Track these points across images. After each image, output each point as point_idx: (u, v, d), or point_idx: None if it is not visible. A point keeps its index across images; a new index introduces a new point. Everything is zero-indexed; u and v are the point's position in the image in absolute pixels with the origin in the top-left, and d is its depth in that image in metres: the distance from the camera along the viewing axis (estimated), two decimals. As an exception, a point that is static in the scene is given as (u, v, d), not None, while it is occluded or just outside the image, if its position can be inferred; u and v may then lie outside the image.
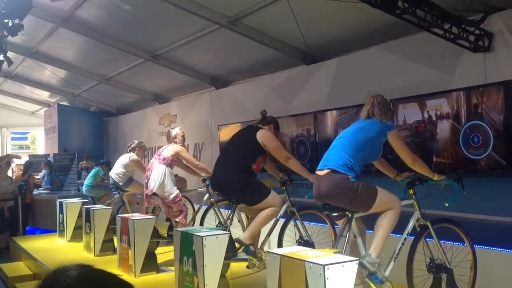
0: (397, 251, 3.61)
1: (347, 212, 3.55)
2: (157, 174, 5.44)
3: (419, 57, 6.29)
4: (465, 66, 5.79)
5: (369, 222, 3.70)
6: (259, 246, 4.71)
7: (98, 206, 6.49)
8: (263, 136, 4.52)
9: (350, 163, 3.46)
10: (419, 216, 3.73)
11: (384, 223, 3.48)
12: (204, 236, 4.06)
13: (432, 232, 3.68)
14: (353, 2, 5.20)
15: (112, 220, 5.94)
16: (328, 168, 3.52)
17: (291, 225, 4.93)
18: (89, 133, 15.94)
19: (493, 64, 5.52)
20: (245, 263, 4.71)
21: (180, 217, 5.50)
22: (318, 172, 3.60)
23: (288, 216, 4.91)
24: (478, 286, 3.79)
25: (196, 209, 6.46)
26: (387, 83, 6.58)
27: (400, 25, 5.46)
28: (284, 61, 8.43)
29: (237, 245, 5.18)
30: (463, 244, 3.84)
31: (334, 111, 7.28)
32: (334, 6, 6.00)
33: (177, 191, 5.55)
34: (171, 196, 5.47)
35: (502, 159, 5.14)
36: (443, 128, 5.74)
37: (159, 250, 5.48)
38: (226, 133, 8.68)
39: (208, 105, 10.82)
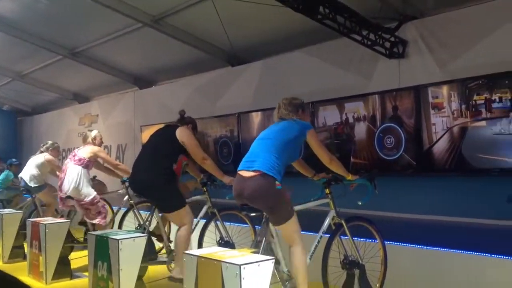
0: (312, 249, 3.67)
1: (265, 213, 3.56)
2: (71, 176, 5.20)
3: (339, 62, 6.49)
4: (381, 71, 6.05)
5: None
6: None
7: (7, 210, 6.10)
8: (182, 134, 4.45)
9: (277, 165, 3.44)
10: (334, 215, 3.81)
11: (299, 261, 3.48)
12: (120, 239, 3.93)
13: (346, 230, 3.78)
14: (278, 6, 5.27)
15: (23, 225, 5.60)
16: (255, 170, 3.45)
17: (212, 226, 4.88)
18: (1, 134, 14.98)
19: (407, 70, 5.81)
20: (164, 266, 4.63)
21: (98, 218, 5.31)
22: (242, 173, 3.53)
23: (209, 217, 4.87)
24: (388, 280, 3.95)
25: (115, 211, 6.26)
26: (309, 86, 6.73)
27: (322, 30, 5.61)
28: (209, 62, 8.40)
29: (157, 247, 5.09)
30: (374, 241, 3.99)
31: (258, 113, 7.34)
32: (259, 9, 6.06)
33: (95, 192, 5.35)
34: (88, 198, 5.26)
35: (412, 160, 5.42)
36: (360, 130, 5.96)
37: (74, 255, 5.25)
38: (149, 134, 8.46)
39: (131, 106, 10.55)
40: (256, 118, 7.38)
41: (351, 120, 6.06)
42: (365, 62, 6.17)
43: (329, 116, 6.31)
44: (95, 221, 5.31)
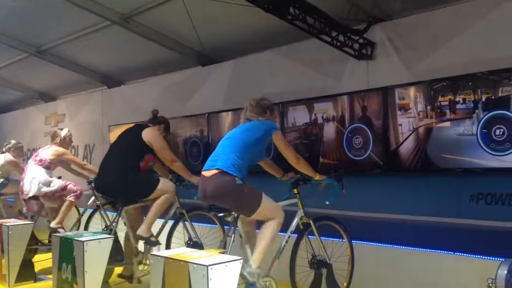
0: (281, 248, 3.69)
1: (233, 213, 3.55)
2: (32, 177, 5.09)
3: (310, 62, 6.53)
4: (350, 72, 6.11)
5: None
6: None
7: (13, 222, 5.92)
8: (149, 135, 4.41)
9: (238, 163, 3.46)
10: (303, 215, 3.84)
11: (267, 234, 3.47)
12: (85, 241, 3.87)
13: (314, 230, 3.82)
14: (249, 6, 5.26)
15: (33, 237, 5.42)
16: (216, 169, 3.47)
17: (180, 227, 4.85)
18: (-38, 133, 14.49)
19: (375, 71, 5.88)
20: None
21: (72, 196, 5.28)
22: (204, 173, 3.55)
23: (177, 218, 4.84)
24: (355, 278, 4.00)
25: (81, 213, 6.14)
26: (279, 86, 6.76)
27: (292, 30, 5.63)
28: (180, 61, 8.32)
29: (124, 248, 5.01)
30: (342, 240, 4.03)
31: (228, 113, 7.33)
32: (230, 9, 6.03)
33: (61, 181, 5.29)
34: (56, 186, 5.20)
35: (380, 160, 5.50)
36: (329, 131, 6.02)
37: (38, 257, 5.13)
38: (118, 134, 8.36)
39: (99, 105, 10.38)
40: (227, 118, 7.36)
41: (320, 120, 6.11)
42: (334, 63, 6.23)
43: (299, 116, 6.35)
44: (70, 199, 5.25)
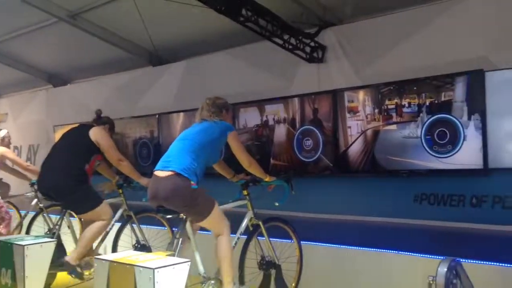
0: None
1: (182, 215, 3.50)
2: None
3: (262, 64, 6.55)
4: (302, 75, 6.18)
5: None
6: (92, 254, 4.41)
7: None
8: (97, 134, 4.27)
9: (194, 166, 3.40)
10: (252, 216, 3.82)
11: (224, 252, 3.45)
12: (26, 245, 3.71)
13: (264, 231, 3.80)
14: (202, 7, 5.22)
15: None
16: (170, 171, 3.39)
17: (128, 230, 4.73)
18: None
19: (325, 74, 5.98)
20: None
21: (1, 226, 4.96)
22: (157, 173, 3.46)
23: (125, 220, 4.71)
24: (303, 279, 4.02)
25: (22, 216, 5.88)
26: (231, 88, 6.73)
27: (245, 32, 5.64)
28: (130, 61, 8.17)
29: (68, 252, 4.83)
30: (291, 241, 4.05)
31: (179, 114, 7.25)
32: (182, 9, 5.97)
33: None
34: None
35: (329, 161, 5.58)
36: (280, 132, 6.05)
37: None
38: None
39: (45, 104, 10.03)
40: (177, 119, 7.28)
41: (271, 122, 6.14)
42: (286, 66, 6.28)
43: (250, 118, 6.36)
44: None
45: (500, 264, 3.30)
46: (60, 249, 4.40)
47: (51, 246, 3.89)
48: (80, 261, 4.15)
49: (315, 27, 5.99)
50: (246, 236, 3.79)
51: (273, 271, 3.76)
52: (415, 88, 4.97)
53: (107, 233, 4.60)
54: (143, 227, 4.78)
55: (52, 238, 4.22)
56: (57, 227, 4.44)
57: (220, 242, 3.48)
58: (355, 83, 5.61)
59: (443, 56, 4.95)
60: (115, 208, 4.77)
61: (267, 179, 3.80)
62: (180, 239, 3.55)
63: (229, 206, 3.81)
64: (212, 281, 3.44)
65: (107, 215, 4.22)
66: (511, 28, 4.57)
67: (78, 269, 4.14)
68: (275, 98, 6.16)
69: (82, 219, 4.62)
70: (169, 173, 3.35)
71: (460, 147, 4.59)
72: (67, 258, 4.10)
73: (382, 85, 5.24)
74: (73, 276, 4.13)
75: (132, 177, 4.44)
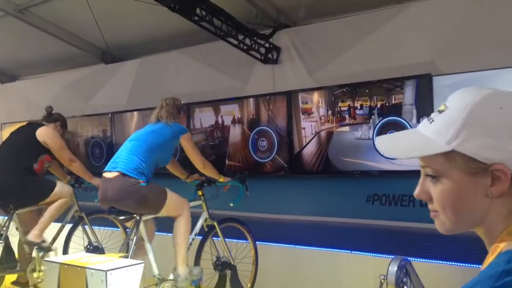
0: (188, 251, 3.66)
1: (135, 215, 3.47)
2: None
3: (217, 64, 6.53)
4: (257, 75, 6.21)
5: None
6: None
7: None
8: (44, 134, 4.16)
9: (141, 167, 3.38)
10: (207, 216, 3.84)
11: (179, 235, 3.48)
12: (-29, 247, 3.57)
13: (219, 231, 3.83)
14: (156, 5, 5.15)
15: None
16: (118, 171, 3.37)
17: (79, 231, 4.63)
18: None
19: (280, 75, 6.03)
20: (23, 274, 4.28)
21: None
22: (106, 174, 3.43)
23: (76, 221, 4.61)
24: (259, 279, 4.07)
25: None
26: (186, 87, 6.69)
27: (200, 31, 5.60)
28: (82, 58, 7.94)
29: (17, 254, 4.67)
30: (246, 242, 4.08)
31: (133, 113, 7.13)
32: (135, 6, 5.86)
33: None
34: None
35: (284, 162, 5.65)
36: (235, 133, 6.07)
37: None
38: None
39: (-9, 101, 9.61)
40: (131, 118, 7.16)
41: (226, 122, 6.15)
42: (241, 66, 6.29)
43: (205, 118, 6.34)
44: None
45: (448, 263, 3.46)
46: (8, 251, 4.27)
47: (-2, 249, 3.76)
48: (41, 237, 4.11)
49: (270, 29, 6.04)
50: (201, 237, 3.80)
51: (228, 272, 3.80)
52: (367, 90, 5.11)
53: (57, 236, 4.51)
54: (96, 228, 4.70)
55: (-1, 240, 4.08)
56: (4, 228, 4.30)
57: (177, 222, 3.50)
58: (309, 84, 5.69)
59: (393, 60, 5.11)
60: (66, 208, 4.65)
61: (221, 180, 3.84)
62: (134, 240, 3.52)
63: (183, 207, 3.80)
64: (167, 284, 3.44)
65: (66, 193, 4.20)
66: (455, 34, 4.76)
67: (44, 244, 4.10)
68: (230, 99, 6.16)
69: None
70: (116, 173, 3.35)
71: (410, 148, 4.74)
72: (29, 237, 4.04)
73: (336, 87, 5.34)
74: (41, 251, 4.09)
75: (84, 177, 4.38)
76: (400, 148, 0.97)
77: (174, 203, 3.49)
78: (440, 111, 0.92)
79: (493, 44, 4.53)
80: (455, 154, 0.88)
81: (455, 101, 0.91)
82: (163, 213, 3.50)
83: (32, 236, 4.06)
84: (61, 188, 4.20)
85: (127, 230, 4.61)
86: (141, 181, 3.34)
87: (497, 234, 0.87)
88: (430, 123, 0.93)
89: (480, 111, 0.87)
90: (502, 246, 0.84)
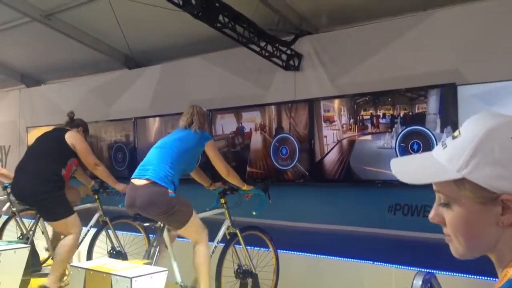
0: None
1: (159, 223, 3.51)
2: None
3: (239, 70, 6.57)
4: (278, 82, 6.22)
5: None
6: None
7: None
8: (72, 137, 4.25)
9: (171, 175, 3.43)
10: (230, 224, 3.87)
11: (200, 262, 3.51)
12: (-2, 251, 3.64)
13: (241, 239, 3.85)
14: (178, 11, 5.21)
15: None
16: (147, 179, 3.41)
17: (103, 236, 4.70)
18: None
19: (302, 82, 6.03)
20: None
21: None
22: (134, 181, 3.47)
23: (100, 226, 4.68)
24: (280, 287, 4.07)
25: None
26: (208, 93, 6.74)
27: (223, 37, 5.64)
28: (106, 63, 8.07)
29: (42, 258, 4.76)
30: (267, 250, 4.10)
31: (156, 118, 7.20)
32: (159, 13, 5.93)
33: None
34: None
35: (305, 170, 5.64)
36: (257, 140, 6.08)
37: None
38: (36, 136, 7.94)
39: (17, 105, 9.79)
40: (154, 123, 7.23)
41: (248, 129, 6.17)
42: (263, 73, 6.31)
43: (227, 124, 6.37)
44: None
45: (474, 276, 3.41)
46: (33, 255, 4.34)
47: (25, 252, 3.82)
48: (60, 282, 4.13)
49: (292, 35, 6.05)
50: (223, 244, 3.83)
51: (250, 280, 3.81)
52: (389, 99, 5.08)
53: (82, 239, 4.57)
54: (119, 233, 4.77)
55: (25, 243, 4.16)
56: (31, 232, 4.39)
57: (197, 250, 3.52)
58: (330, 91, 5.68)
59: (416, 68, 5.07)
60: (90, 213, 4.73)
61: (244, 188, 3.86)
62: (158, 247, 3.57)
63: (206, 214, 3.85)
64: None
65: (76, 228, 4.20)
66: (480, 42, 4.71)
67: None
68: (252, 106, 6.18)
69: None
70: (146, 181, 3.38)
71: (433, 158, 4.69)
72: (46, 284, 4.05)
73: (358, 95, 5.32)
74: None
75: (108, 182, 4.44)
76: (412, 173, 0.98)
77: (197, 225, 3.52)
78: (454, 137, 0.93)
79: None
80: (465, 182, 0.88)
81: (468, 128, 0.92)
82: (184, 231, 3.52)
83: (50, 283, 4.05)
84: (75, 220, 4.21)
85: (150, 235, 4.67)
86: (170, 191, 3.38)
87: (507, 261, 0.88)
88: (444, 148, 0.94)
89: (490, 140, 0.87)
90: (511, 273, 0.86)
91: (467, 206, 0.89)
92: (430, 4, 5.14)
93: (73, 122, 4.56)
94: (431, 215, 0.97)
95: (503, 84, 4.36)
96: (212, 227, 3.83)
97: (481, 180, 0.87)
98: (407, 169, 0.99)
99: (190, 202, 3.55)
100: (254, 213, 3.87)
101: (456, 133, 0.94)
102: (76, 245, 4.29)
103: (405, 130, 4.91)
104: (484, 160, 0.87)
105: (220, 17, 5.23)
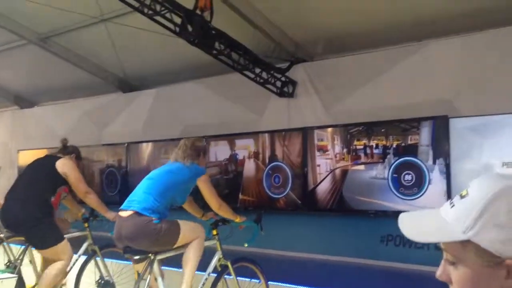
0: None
1: (150, 255, 3.47)
2: None
3: (233, 96, 6.58)
4: (272, 109, 6.23)
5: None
6: None
7: None
8: (64, 165, 4.22)
9: (155, 206, 3.41)
10: (221, 256, 3.83)
11: (191, 256, 3.50)
12: (-15, 281, 3.58)
13: (232, 271, 3.81)
14: (174, 37, 5.24)
15: None
16: (132, 210, 3.40)
17: (92, 264, 4.62)
18: None
19: (295, 109, 6.05)
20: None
21: None
22: (121, 213, 3.46)
23: (89, 255, 4.61)
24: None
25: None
26: (202, 118, 6.74)
27: (217, 63, 5.66)
28: (100, 86, 8.06)
29: (28, 286, 4.67)
30: (259, 282, 4.05)
31: (149, 143, 7.17)
32: (155, 38, 5.96)
33: None
34: None
35: (298, 198, 5.61)
36: (250, 167, 6.06)
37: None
38: (28, 159, 7.87)
39: (9, 126, 9.74)
40: (146, 148, 7.20)
41: (241, 156, 6.15)
42: (257, 99, 6.32)
43: (220, 151, 6.36)
44: None
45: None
46: (20, 284, 4.27)
47: (12, 282, 3.77)
48: None
49: (287, 62, 6.09)
50: (215, 274, 3.79)
51: (240, 313, 3.75)
52: (382, 130, 5.10)
53: (71, 268, 4.49)
54: (108, 261, 4.70)
55: (12, 272, 4.09)
56: (19, 261, 4.31)
57: (191, 245, 3.51)
58: (324, 119, 5.70)
59: (409, 98, 5.10)
60: (79, 242, 4.66)
61: (237, 220, 3.83)
62: (148, 279, 3.52)
63: (197, 246, 3.79)
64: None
65: (66, 254, 4.14)
66: (473, 75, 4.75)
67: None
68: (246, 133, 6.18)
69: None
70: (130, 212, 3.38)
71: (426, 190, 4.71)
72: None
73: (351, 125, 5.33)
74: None
75: (99, 210, 4.39)
76: (419, 231, 0.97)
77: (189, 230, 3.52)
78: (462, 196, 0.93)
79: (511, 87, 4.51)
80: (471, 244, 0.88)
81: (475, 189, 0.92)
82: (180, 243, 3.50)
83: None
84: (65, 247, 4.15)
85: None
86: (154, 218, 3.36)
87: None
88: (451, 207, 0.94)
89: (496, 204, 0.87)
90: None
91: (473, 268, 0.89)
92: (425, 35, 5.20)
93: (66, 149, 4.54)
94: (438, 272, 0.96)
95: (495, 118, 4.39)
96: (203, 256, 3.79)
97: (486, 244, 0.86)
98: (414, 226, 0.99)
99: (174, 220, 3.54)
100: (246, 245, 3.84)
101: (463, 192, 0.93)
102: (65, 271, 4.22)
103: (398, 161, 4.92)
104: (489, 224, 0.87)
105: (216, 44, 5.26)
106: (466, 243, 0.89)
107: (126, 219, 3.37)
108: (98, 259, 4.61)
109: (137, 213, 3.35)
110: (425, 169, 4.72)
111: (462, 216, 0.90)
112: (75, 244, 4.57)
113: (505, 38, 4.63)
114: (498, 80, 4.60)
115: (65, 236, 4.27)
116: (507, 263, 0.86)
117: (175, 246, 3.53)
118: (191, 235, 3.53)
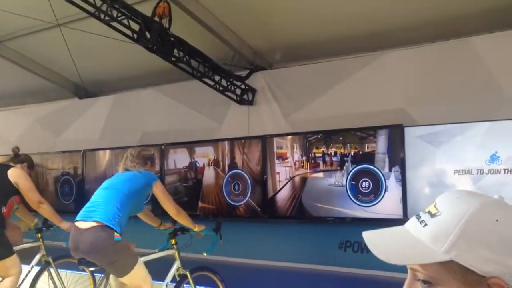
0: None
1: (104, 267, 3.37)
2: None
3: (192, 103, 6.53)
4: (232, 116, 6.23)
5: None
6: None
7: None
8: (15, 174, 4.06)
9: (119, 217, 3.30)
10: (179, 266, 3.77)
11: None
12: None
13: (191, 281, 3.76)
14: (132, 44, 5.15)
15: None
16: (94, 221, 3.26)
17: (45, 276, 4.47)
18: None
19: (255, 116, 6.07)
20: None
21: None
22: (79, 224, 3.32)
23: (43, 266, 4.46)
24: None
25: None
26: (161, 125, 6.65)
27: (176, 70, 5.61)
28: (55, 92, 7.84)
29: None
30: (218, 290, 4.02)
31: (106, 151, 7.02)
32: (112, 43, 5.85)
33: None
34: None
35: (257, 206, 5.62)
36: (209, 175, 6.03)
37: None
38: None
39: (-42, 132, 9.32)
40: (104, 156, 7.04)
41: (200, 164, 6.11)
42: (217, 106, 6.31)
43: (179, 159, 6.29)
44: None
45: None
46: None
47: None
48: None
49: (246, 70, 6.10)
50: (174, 284, 3.73)
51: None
52: (340, 138, 5.18)
53: (23, 280, 4.33)
54: (63, 271, 4.55)
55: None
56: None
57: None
58: (283, 126, 5.74)
59: (366, 106, 5.21)
60: (33, 252, 4.50)
61: (196, 229, 3.79)
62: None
63: (156, 255, 3.74)
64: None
65: (15, 269, 3.98)
66: (425, 84, 4.91)
67: None
68: (206, 141, 6.15)
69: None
70: (92, 224, 3.25)
71: (382, 197, 4.81)
72: None
73: (310, 133, 5.40)
74: None
75: (52, 221, 4.25)
76: (393, 251, 0.94)
77: (139, 276, 3.37)
78: (432, 215, 0.92)
79: (462, 97, 4.68)
80: (453, 264, 0.87)
81: (448, 207, 0.91)
82: (126, 279, 3.38)
83: None
84: (14, 260, 3.99)
85: (96, 274, 4.48)
86: (116, 234, 3.25)
87: None
88: (423, 226, 0.92)
89: (476, 223, 0.87)
90: None
91: None
92: (378, 46, 5.34)
93: (18, 158, 4.38)
94: None
95: (447, 127, 4.54)
96: (162, 265, 3.73)
97: (468, 263, 0.86)
98: (386, 247, 0.96)
99: (134, 245, 3.44)
100: (205, 254, 3.80)
101: (432, 210, 0.92)
102: (15, 287, 4.06)
103: (355, 169, 5.01)
104: (472, 243, 0.86)
105: (175, 52, 5.22)
106: (447, 264, 0.87)
107: (86, 231, 3.23)
108: (51, 270, 4.46)
109: (100, 226, 3.22)
110: (381, 177, 4.83)
111: (441, 235, 0.88)
112: (28, 255, 4.41)
113: (456, 50, 4.81)
114: (450, 90, 4.76)
115: (15, 248, 4.11)
116: (490, 282, 0.85)
117: (123, 278, 3.39)
118: (139, 279, 3.40)
